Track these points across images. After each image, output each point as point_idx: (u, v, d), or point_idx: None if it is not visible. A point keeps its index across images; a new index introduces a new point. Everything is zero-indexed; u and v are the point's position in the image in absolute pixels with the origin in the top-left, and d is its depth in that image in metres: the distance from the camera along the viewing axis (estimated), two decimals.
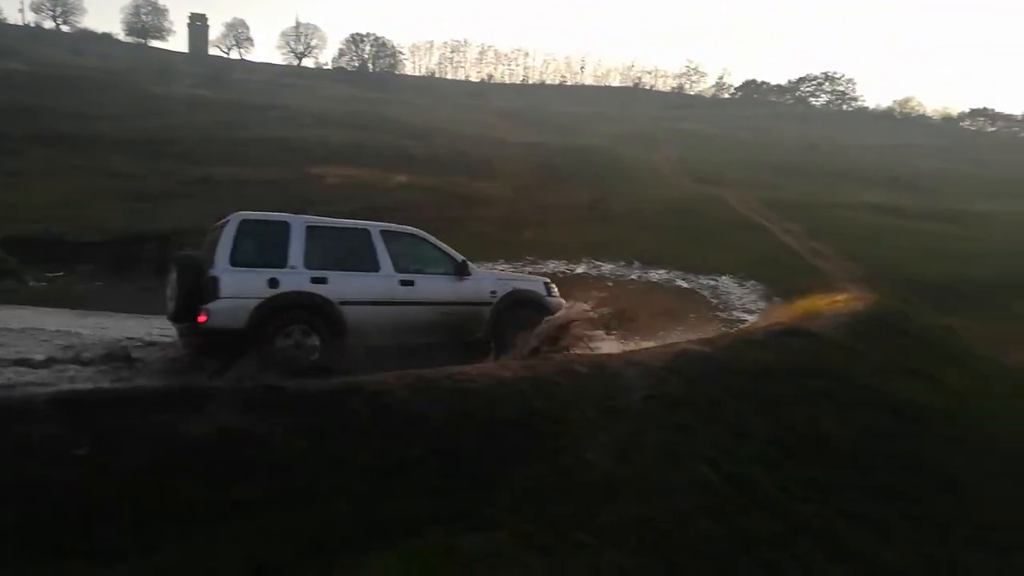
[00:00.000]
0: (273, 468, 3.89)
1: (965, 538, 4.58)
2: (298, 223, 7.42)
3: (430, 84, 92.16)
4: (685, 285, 18.07)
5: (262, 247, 7.17)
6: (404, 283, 7.68)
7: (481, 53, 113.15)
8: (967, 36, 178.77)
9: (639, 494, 4.24)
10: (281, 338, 6.87)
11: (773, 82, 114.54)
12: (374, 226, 7.91)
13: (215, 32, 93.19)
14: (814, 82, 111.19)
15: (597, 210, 28.26)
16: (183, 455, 3.82)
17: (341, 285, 7.24)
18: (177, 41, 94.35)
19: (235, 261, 6.92)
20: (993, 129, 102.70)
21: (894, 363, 7.57)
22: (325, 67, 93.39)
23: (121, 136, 31.34)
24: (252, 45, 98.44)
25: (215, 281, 6.74)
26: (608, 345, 7.90)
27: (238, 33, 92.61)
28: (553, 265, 21.22)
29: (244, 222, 7.16)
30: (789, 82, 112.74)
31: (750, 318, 12.76)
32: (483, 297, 8.11)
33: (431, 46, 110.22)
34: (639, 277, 19.68)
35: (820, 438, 5.40)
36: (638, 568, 3.62)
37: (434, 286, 7.90)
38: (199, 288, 6.78)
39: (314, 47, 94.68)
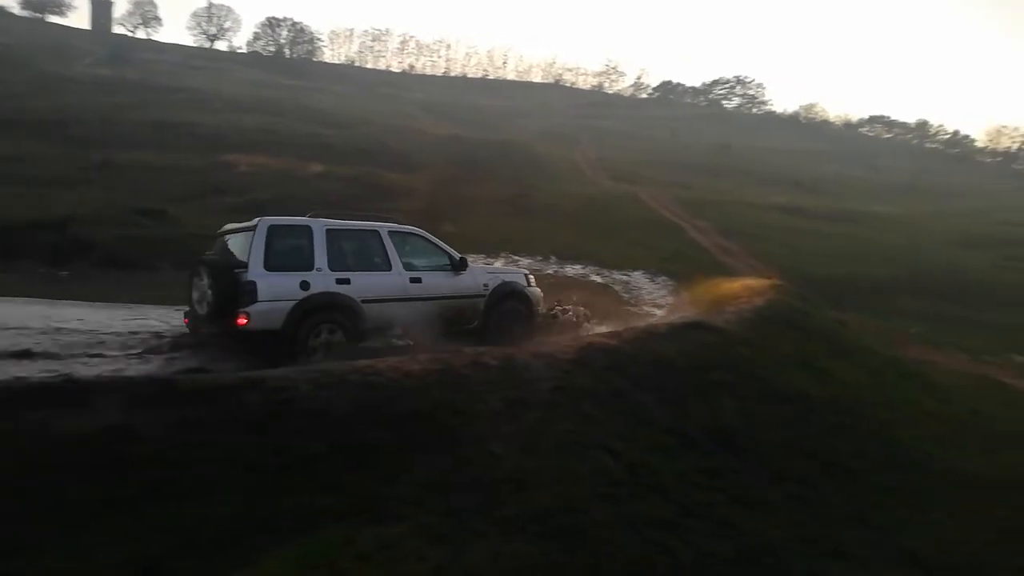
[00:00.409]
0: (159, 465, 3.77)
1: (845, 517, 4.88)
2: (318, 226, 7.69)
3: (349, 73, 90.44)
4: (600, 280, 18.37)
5: (290, 251, 7.45)
6: (413, 280, 8.18)
7: (403, 43, 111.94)
8: (868, 46, 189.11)
9: (542, 484, 4.32)
10: (312, 337, 7.20)
11: (688, 84, 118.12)
12: (382, 226, 8.29)
13: (120, 9, 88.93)
14: (727, 85, 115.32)
15: (516, 205, 28.43)
16: (61, 453, 3.65)
17: (362, 285, 7.65)
18: (78, 17, 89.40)
19: (268, 265, 7.18)
20: (889, 136, 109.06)
21: (789, 356, 7.96)
22: (239, 51, 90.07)
23: (14, 117, 29.34)
24: (160, 25, 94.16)
25: (253, 285, 7.00)
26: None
27: (145, 11, 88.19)
28: (471, 259, 21.18)
29: (272, 227, 7.38)
30: (703, 84, 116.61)
31: (659, 312, 13.12)
32: (478, 290, 8.69)
33: (351, 34, 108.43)
34: (555, 272, 19.92)
35: (718, 427, 5.64)
36: (536, 555, 3.69)
37: (438, 281, 8.39)
38: (235, 291, 7.01)
39: (227, 29, 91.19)
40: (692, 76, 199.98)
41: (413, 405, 4.93)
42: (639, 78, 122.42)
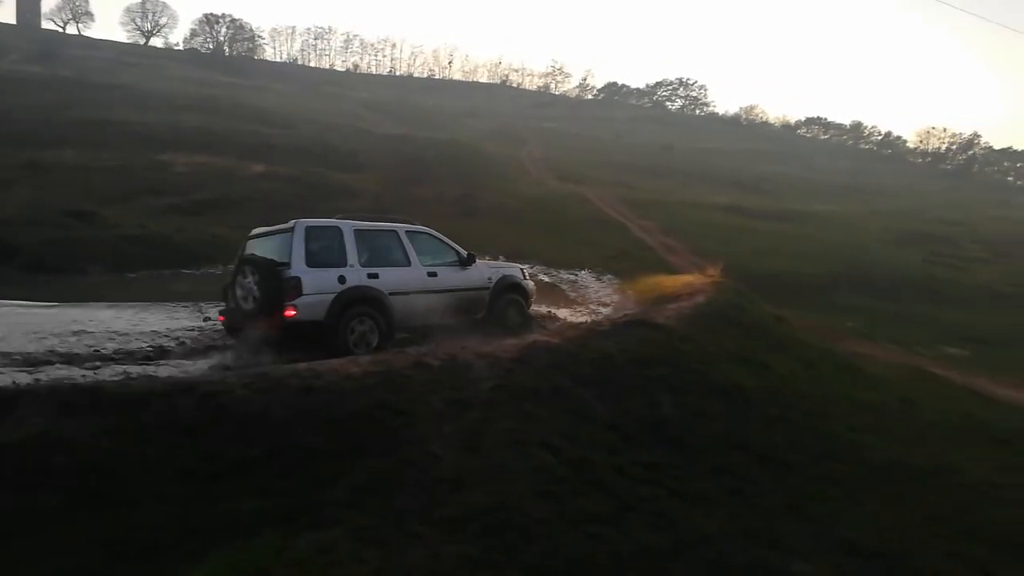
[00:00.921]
0: (83, 473, 3.62)
1: (783, 508, 4.97)
2: (347, 227, 8.41)
3: (292, 71, 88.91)
4: (547, 279, 18.44)
5: (325, 249, 8.10)
6: (430, 274, 8.95)
7: (346, 42, 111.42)
8: (805, 50, 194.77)
9: (482, 483, 4.29)
10: (349, 327, 7.90)
11: (633, 85, 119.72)
12: (399, 227, 9.07)
13: (48, 4, 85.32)
14: (670, 87, 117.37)
15: (463, 205, 28.34)
16: None
17: (388, 279, 8.40)
18: (3, 12, 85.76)
19: (309, 262, 7.83)
20: (826, 137, 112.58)
21: (728, 351, 8.10)
22: (176, 48, 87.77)
23: None
24: (92, 20, 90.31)
25: (298, 280, 7.63)
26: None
27: (75, 6, 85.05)
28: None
29: (308, 228, 8.06)
30: (647, 86, 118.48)
31: (604, 310, 13.23)
32: (484, 283, 9.58)
33: (293, 31, 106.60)
34: None
35: (657, 422, 5.69)
36: (476, 555, 3.65)
37: (450, 276, 9.18)
38: (280, 287, 7.59)
39: (163, 26, 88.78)
40: (636, 78, 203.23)
41: (353, 407, 4.85)
42: (584, 79, 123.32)
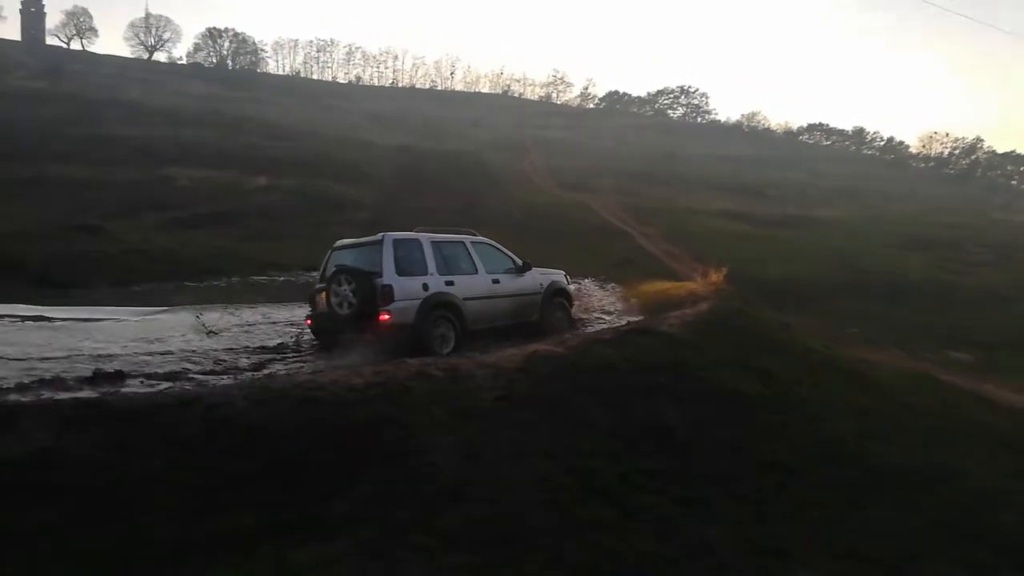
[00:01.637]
0: (84, 488, 3.63)
1: (784, 514, 4.95)
2: (425, 239, 9.17)
3: (295, 84, 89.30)
4: None
5: (409, 259, 8.80)
6: (494, 281, 9.79)
7: (349, 54, 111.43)
8: (806, 57, 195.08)
9: (483, 493, 4.30)
10: (433, 330, 8.62)
11: (634, 94, 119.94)
12: (466, 238, 9.92)
13: (53, 20, 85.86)
14: (671, 95, 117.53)
15: (466, 214, 28.37)
16: None
17: (461, 285, 9.18)
18: (8, 28, 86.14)
19: (398, 271, 8.54)
20: (828, 143, 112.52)
21: (731, 358, 8.08)
22: (179, 62, 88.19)
23: None
24: (96, 36, 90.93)
25: (391, 288, 8.35)
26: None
27: (79, 22, 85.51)
28: None
29: (395, 240, 8.77)
30: (648, 94, 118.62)
31: (608, 318, 13.22)
32: (537, 288, 10.43)
33: (295, 44, 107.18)
34: None
35: (659, 429, 5.69)
36: (478, 566, 3.66)
37: (510, 282, 10.02)
38: (374, 294, 8.29)
39: (167, 40, 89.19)
40: (638, 86, 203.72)
41: (355, 419, 4.86)
42: (586, 88, 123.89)
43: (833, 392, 9.26)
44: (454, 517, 4.04)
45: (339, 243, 9.51)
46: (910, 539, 5.22)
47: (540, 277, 10.59)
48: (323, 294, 8.88)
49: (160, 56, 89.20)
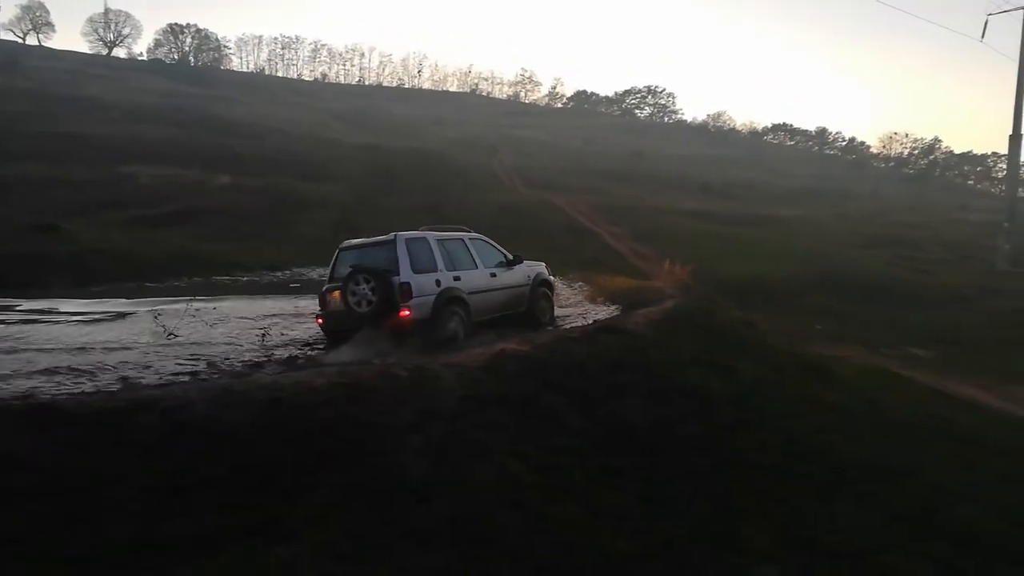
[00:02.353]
0: (40, 492, 3.51)
1: (748, 511, 4.99)
2: (432, 237, 9.60)
3: (259, 81, 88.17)
4: None
5: (420, 257, 9.16)
6: (492, 275, 10.28)
7: (314, 51, 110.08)
8: (771, 58, 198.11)
9: (450, 493, 4.25)
10: (445, 324, 9.00)
11: (602, 93, 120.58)
12: (464, 234, 10.42)
13: (7, 14, 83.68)
14: (638, 95, 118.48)
15: (435, 214, 28.26)
16: None
17: (467, 280, 9.63)
18: None
19: (414, 269, 8.91)
20: (792, 143, 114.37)
21: (696, 355, 8.16)
22: (139, 58, 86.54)
23: None
24: (53, 31, 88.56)
25: (408, 285, 8.71)
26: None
27: (35, 16, 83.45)
28: None
29: (407, 239, 9.16)
30: (616, 94, 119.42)
31: (575, 317, 13.25)
32: (526, 280, 10.98)
33: (260, 41, 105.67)
34: None
35: (626, 427, 5.71)
36: (445, 567, 3.62)
37: (504, 275, 10.54)
38: (393, 291, 8.62)
39: (126, 36, 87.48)
40: (605, 86, 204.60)
41: (319, 421, 4.78)
42: (554, 88, 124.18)
43: (797, 388, 9.40)
44: (420, 518, 4.00)
45: (346, 243, 9.78)
46: (872, 533, 5.31)
47: (528, 270, 11.15)
48: (335, 293, 9.11)
49: (120, 52, 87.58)
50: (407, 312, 8.59)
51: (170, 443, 4.28)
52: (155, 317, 10.25)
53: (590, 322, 10.46)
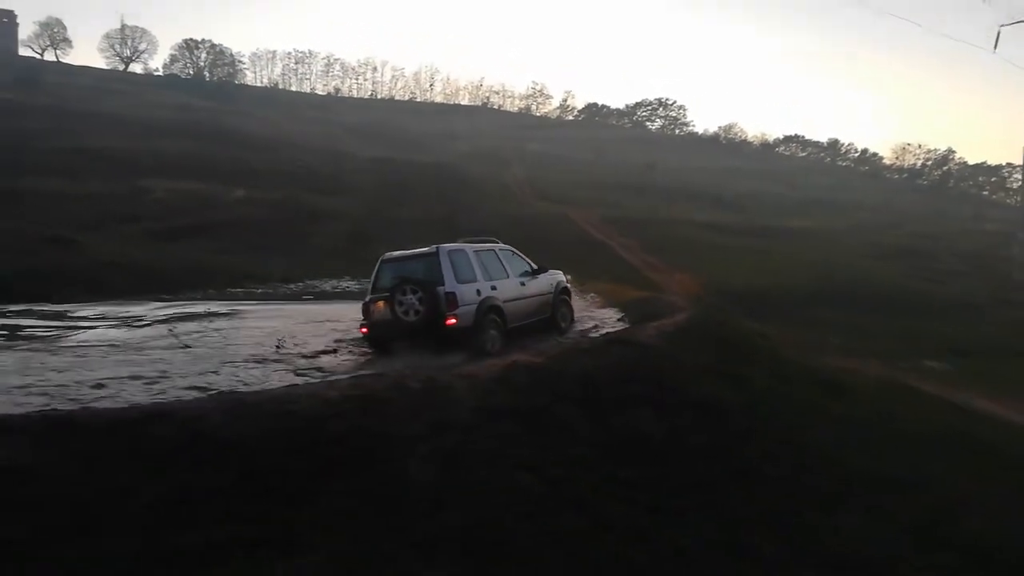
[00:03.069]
0: (51, 503, 3.58)
1: (758, 522, 5.00)
2: (470, 249, 10.11)
3: (273, 95, 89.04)
4: None
5: (462, 268, 9.60)
6: (521, 284, 10.71)
7: (327, 65, 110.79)
8: (783, 70, 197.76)
9: (460, 504, 4.29)
10: (485, 331, 9.37)
11: (613, 106, 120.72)
12: (495, 245, 10.95)
13: (26, 31, 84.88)
14: (649, 107, 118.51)
15: (448, 226, 28.41)
16: None
17: (501, 289, 10.05)
18: None
19: (457, 279, 9.32)
20: (804, 154, 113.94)
21: (708, 367, 8.15)
22: (156, 73, 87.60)
23: None
24: (71, 47, 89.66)
25: (454, 295, 9.12)
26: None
27: (53, 32, 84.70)
28: None
29: (450, 251, 9.62)
30: (627, 107, 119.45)
31: (588, 328, 13.26)
32: (550, 288, 11.44)
33: (273, 56, 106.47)
34: None
35: (636, 438, 5.73)
36: None
37: (532, 284, 10.97)
38: (438, 301, 9.02)
39: (143, 51, 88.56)
40: (616, 99, 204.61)
41: (331, 431, 4.83)
42: (565, 100, 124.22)
43: (808, 400, 9.37)
44: (430, 528, 4.04)
45: (388, 256, 10.11)
46: (879, 544, 5.29)
47: (552, 278, 11.64)
48: (379, 303, 9.44)
49: (136, 67, 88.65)
50: (453, 320, 8.98)
51: (182, 454, 4.34)
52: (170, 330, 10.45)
53: (602, 333, 10.49)
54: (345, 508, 4.07)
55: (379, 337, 9.54)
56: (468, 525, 4.03)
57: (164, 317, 12.21)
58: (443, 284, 9.15)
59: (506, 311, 9.88)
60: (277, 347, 9.62)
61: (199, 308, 13.34)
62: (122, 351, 9.18)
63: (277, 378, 7.67)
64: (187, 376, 7.51)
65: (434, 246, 9.65)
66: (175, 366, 8.09)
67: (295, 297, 16.77)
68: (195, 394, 6.33)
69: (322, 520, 3.95)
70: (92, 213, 23.06)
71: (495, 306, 9.68)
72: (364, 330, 9.75)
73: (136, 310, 12.86)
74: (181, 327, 11.17)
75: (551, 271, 11.74)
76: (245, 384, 7.21)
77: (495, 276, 10.14)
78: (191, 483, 4.02)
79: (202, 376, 7.56)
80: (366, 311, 9.72)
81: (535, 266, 11.22)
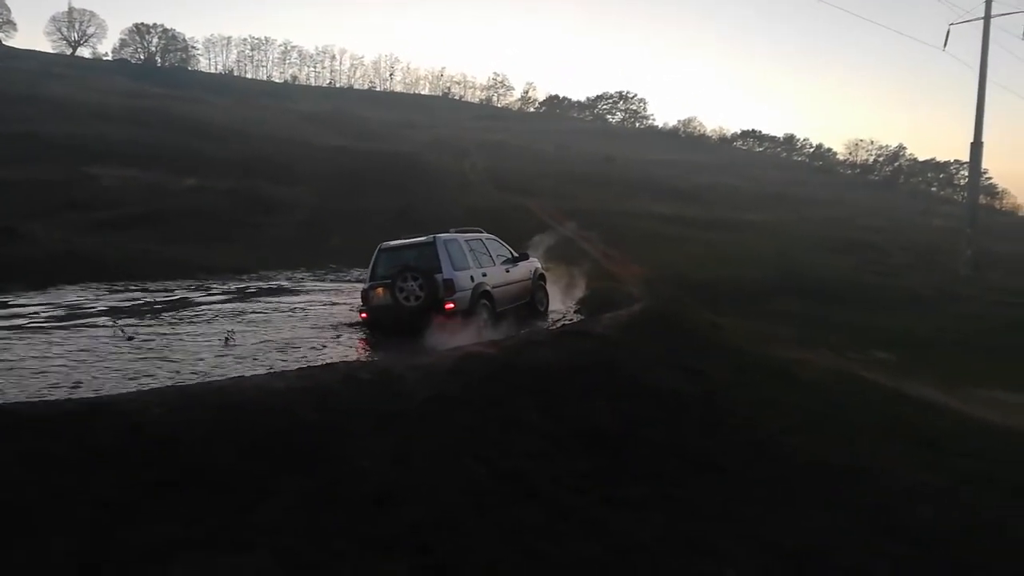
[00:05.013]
0: None
1: (714, 513, 4.99)
2: (460, 238, 10.78)
3: (227, 82, 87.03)
4: None
5: (456, 256, 10.22)
6: (506, 270, 11.46)
7: (284, 53, 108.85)
8: (741, 65, 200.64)
9: (412, 499, 4.18)
10: (481, 314, 10.07)
11: (574, 98, 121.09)
12: (481, 235, 11.61)
13: None
14: (610, 100, 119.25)
15: (405, 217, 28.11)
16: None
17: (491, 275, 10.79)
18: None
19: (453, 266, 9.97)
20: (760, 149, 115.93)
21: (663, 358, 8.16)
22: (104, 58, 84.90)
23: None
24: (15, 29, 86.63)
25: (452, 281, 9.82)
26: None
27: None
28: (358, 272, 20.83)
29: (445, 240, 10.26)
30: (588, 99, 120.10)
31: (540, 322, 13.24)
32: (530, 274, 12.37)
33: (228, 42, 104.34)
34: None
35: (592, 430, 5.67)
36: (405, 573, 3.54)
37: (515, 270, 11.75)
38: (437, 287, 9.69)
39: (91, 35, 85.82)
40: (578, 91, 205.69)
41: (277, 425, 4.67)
42: (527, 92, 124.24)
43: (763, 391, 9.46)
44: (383, 523, 3.92)
45: (385, 245, 10.70)
46: (832, 533, 5.33)
47: (532, 265, 12.54)
48: (379, 290, 10.06)
49: (84, 52, 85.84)
50: (452, 305, 9.64)
51: (124, 450, 4.15)
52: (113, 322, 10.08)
53: (558, 324, 10.47)
54: (292, 504, 3.92)
55: (380, 321, 10.07)
56: (421, 520, 3.92)
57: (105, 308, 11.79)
58: (441, 271, 9.79)
59: (495, 296, 10.54)
60: (226, 341, 9.38)
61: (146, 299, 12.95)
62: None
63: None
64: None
65: (430, 236, 10.29)
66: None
67: (252, 292, 16.36)
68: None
69: (268, 517, 3.79)
70: (35, 201, 22.21)
71: (486, 291, 10.35)
72: (364, 315, 10.26)
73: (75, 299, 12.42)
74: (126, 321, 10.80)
75: (530, 258, 12.61)
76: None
77: (484, 264, 10.84)
78: (133, 480, 3.83)
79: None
80: (365, 298, 10.29)
81: (515, 253, 12.00)
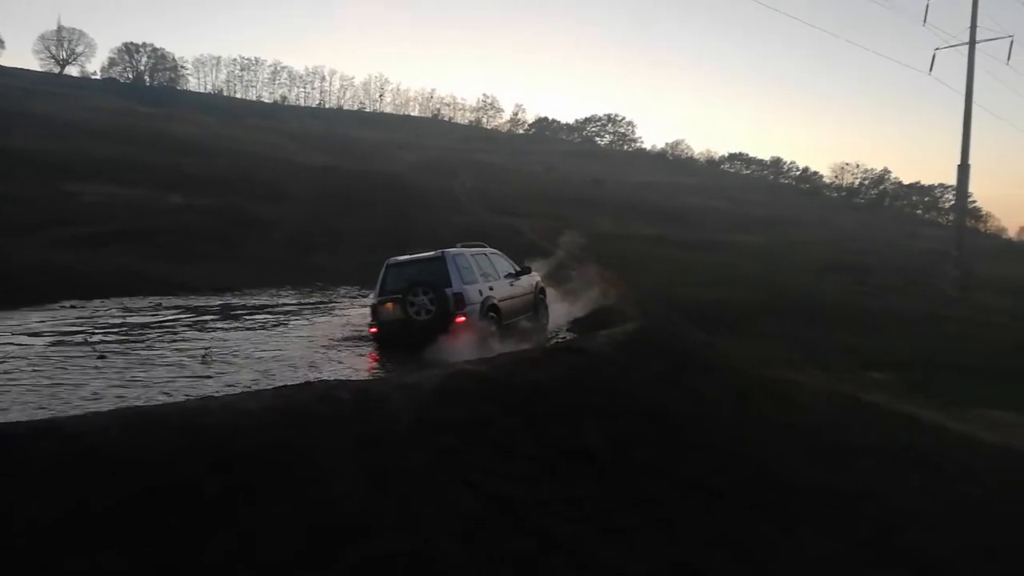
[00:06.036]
0: None
1: (708, 539, 4.68)
2: (467, 253, 10.98)
3: (217, 102, 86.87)
4: None
5: (464, 270, 10.35)
6: (512, 283, 11.72)
7: (274, 73, 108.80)
8: (729, 89, 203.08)
9: (390, 526, 3.85)
10: (489, 327, 10.16)
11: (563, 121, 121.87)
12: (486, 249, 11.91)
13: None
14: (599, 123, 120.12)
15: (392, 236, 27.81)
16: None
17: (497, 289, 10.95)
18: None
19: (462, 280, 10.10)
20: (748, 172, 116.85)
21: (657, 378, 7.90)
22: (93, 77, 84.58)
23: None
24: (2, 47, 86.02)
25: (462, 295, 9.93)
26: None
27: None
28: (344, 291, 20.51)
29: (453, 255, 10.39)
30: (577, 121, 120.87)
31: (538, 336, 12.97)
32: (533, 288, 12.63)
33: (218, 62, 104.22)
34: None
35: (583, 452, 5.36)
36: None
37: (519, 283, 12.00)
38: (447, 300, 9.78)
39: (80, 54, 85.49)
40: (567, 113, 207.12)
41: (246, 447, 4.32)
42: (516, 114, 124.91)
43: (757, 412, 9.19)
44: (355, 554, 3.58)
45: (393, 260, 10.76)
46: (833, 560, 5.05)
47: (534, 279, 12.82)
48: (389, 304, 10.08)
49: (72, 70, 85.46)
50: (463, 318, 9.73)
51: (71, 473, 3.79)
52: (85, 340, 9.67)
53: (550, 342, 10.20)
54: (256, 533, 3.57)
55: (390, 336, 10.04)
56: (398, 551, 3.58)
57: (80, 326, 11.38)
58: (450, 286, 9.90)
59: (502, 309, 10.69)
60: (203, 358, 9.01)
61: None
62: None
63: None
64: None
65: (439, 251, 10.46)
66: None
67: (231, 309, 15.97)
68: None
69: (229, 547, 3.45)
70: (15, 217, 21.76)
71: (494, 304, 10.47)
72: (373, 330, 10.26)
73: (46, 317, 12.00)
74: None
75: (531, 272, 12.81)
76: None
77: (490, 277, 11.00)
78: (81, 507, 3.47)
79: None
80: (375, 313, 10.32)
81: (518, 268, 12.26)
